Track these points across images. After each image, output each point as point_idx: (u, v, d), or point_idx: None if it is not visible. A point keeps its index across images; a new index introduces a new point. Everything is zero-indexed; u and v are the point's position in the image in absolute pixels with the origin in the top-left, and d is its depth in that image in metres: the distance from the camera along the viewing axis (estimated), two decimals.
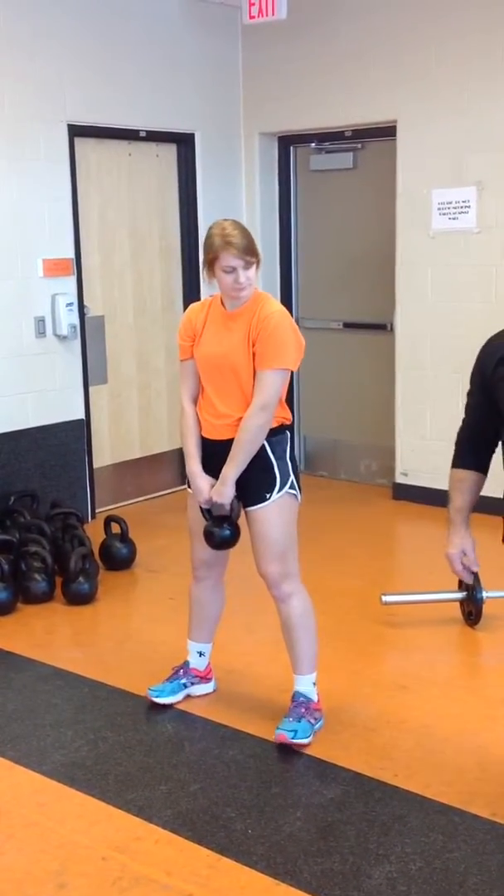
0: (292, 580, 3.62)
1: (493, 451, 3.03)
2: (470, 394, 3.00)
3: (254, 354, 3.44)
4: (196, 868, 2.95)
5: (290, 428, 3.66)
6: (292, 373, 3.59)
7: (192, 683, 3.94)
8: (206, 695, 3.96)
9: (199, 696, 3.94)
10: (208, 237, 3.47)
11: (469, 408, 3.02)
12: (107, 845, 3.07)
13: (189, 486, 3.68)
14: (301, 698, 3.66)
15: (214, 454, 3.56)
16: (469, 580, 3.04)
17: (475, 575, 4.46)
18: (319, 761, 3.49)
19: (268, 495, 3.52)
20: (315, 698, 3.69)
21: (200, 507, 3.63)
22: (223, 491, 3.52)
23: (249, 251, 3.41)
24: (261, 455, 3.51)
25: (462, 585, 4.62)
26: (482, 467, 3.04)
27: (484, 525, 3.24)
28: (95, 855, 3.03)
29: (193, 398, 3.64)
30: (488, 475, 3.07)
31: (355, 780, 3.38)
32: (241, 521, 3.63)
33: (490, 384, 2.88)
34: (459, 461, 3.06)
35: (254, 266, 3.44)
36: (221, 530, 3.57)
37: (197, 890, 2.85)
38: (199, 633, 3.92)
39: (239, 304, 3.50)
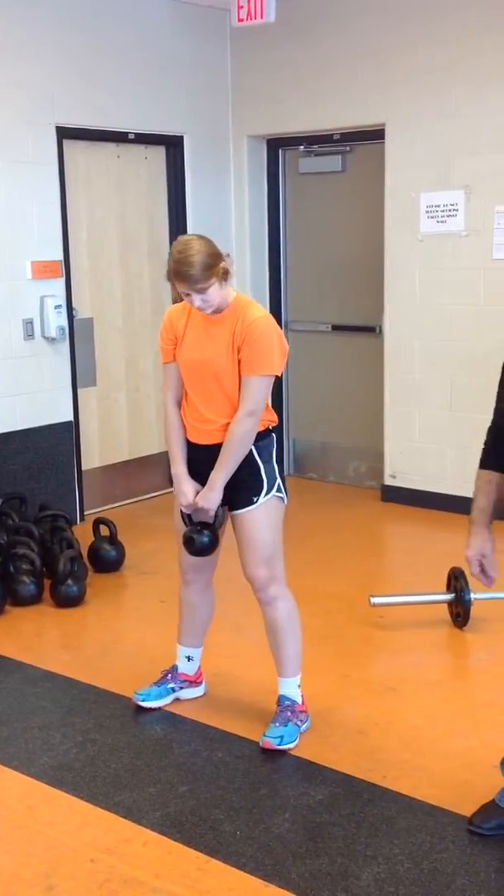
0: (278, 583, 3.61)
1: None
2: (498, 394, 2.99)
3: (239, 360, 3.43)
4: (185, 870, 2.95)
5: (276, 431, 3.65)
6: (279, 375, 3.58)
7: (181, 688, 3.93)
8: (196, 698, 3.96)
9: (188, 699, 3.94)
10: (169, 254, 3.42)
11: (496, 407, 3.01)
12: (95, 847, 3.07)
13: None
14: (286, 702, 3.66)
15: (200, 459, 3.56)
16: (488, 584, 2.96)
17: (462, 576, 4.50)
18: (308, 763, 3.50)
19: (255, 499, 3.52)
20: (300, 700, 3.69)
21: (181, 511, 3.62)
22: (210, 496, 3.51)
23: (200, 280, 3.33)
24: (248, 459, 3.50)
25: (450, 587, 4.63)
26: None
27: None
28: (84, 857, 3.02)
29: (177, 401, 3.63)
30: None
31: (344, 781, 3.38)
32: (227, 525, 3.63)
33: None
34: (485, 461, 3.01)
35: (210, 288, 3.36)
36: (200, 537, 3.56)
37: (185, 892, 2.85)
38: (189, 637, 3.91)
39: (219, 311, 3.47)
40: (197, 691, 3.97)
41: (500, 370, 2.97)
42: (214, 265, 3.36)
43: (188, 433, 3.61)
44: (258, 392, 3.44)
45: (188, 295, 3.39)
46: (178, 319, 3.58)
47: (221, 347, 3.45)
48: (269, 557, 3.58)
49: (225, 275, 3.40)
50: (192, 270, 3.32)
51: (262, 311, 3.50)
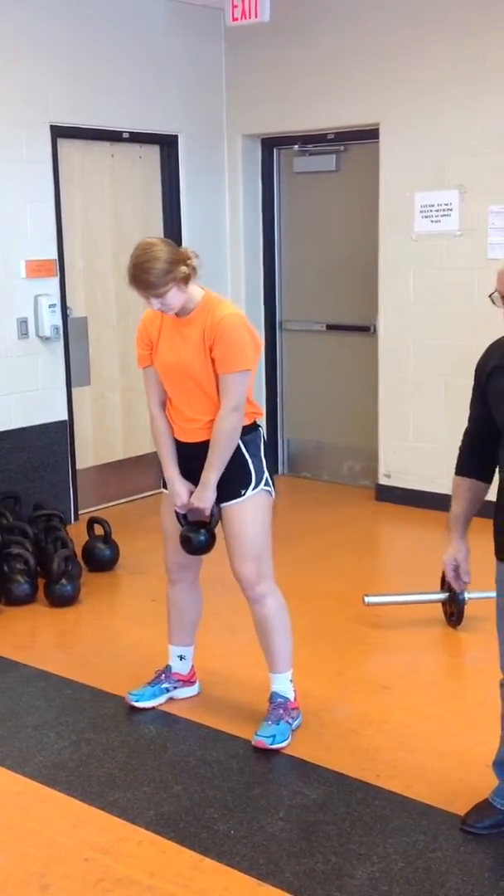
0: (267, 581, 3.62)
1: (497, 459, 2.98)
2: (472, 399, 3.00)
3: (213, 360, 3.44)
4: (179, 869, 2.95)
5: (270, 430, 3.66)
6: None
7: (175, 687, 3.93)
8: (190, 697, 3.96)
9: (182, 699, 3.94)
10: (130, 258, 3.41)
11: (470, 413, 3.02)
12: (89, 847, 3.07)
13: (166, 489, 3.69)
14: (279, 699, 3.66)
15: (190, 457, 3.57)
16: (460, 588, 3.04)
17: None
18: (302, 762, 3.50)
19: (243, 491, 3.53)
20: (292, 697, 3.70)
21: (176, 512, 3.63)
22: (205, 495, 3.52)
23: (153, 286, 3.32)
24: (235, 454, 3.51)
25: (444, 586, 4.64)
26: (482, 475, 3.00)
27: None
28: (78, 856, 3.02)
29: (161, 403, 3.65)
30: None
31: (338, 780, 3.39)
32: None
33: (484, 391, 2.91)
34: (459, 468, 3.04)
35: (168, 292, 3.35)
36: (197, 535, 3.57)
37: (179, 891, 2.85)
38: (178, 636, 3.92)
39: (187, 311, 3.47)
40: (191, 690, 3.97)
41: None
42: (172, 270, 3.35)
43: (175, 433, 3.62)
44: (237, 388, 3.45)
45: (147, 298, 3.41)
46: (152, 324, 3.59)
47: (194, 348, 3.46)
48: (258, 555, 3.58)
49: (185, 279, 3.39)
50: (148, 277, 3.33)
51: (230, 307, 3.51)
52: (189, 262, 3.41)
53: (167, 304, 3.41)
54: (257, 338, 3.53)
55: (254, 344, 3.49)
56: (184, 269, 3.38)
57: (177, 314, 3.49)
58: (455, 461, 3.08)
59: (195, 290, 3.48)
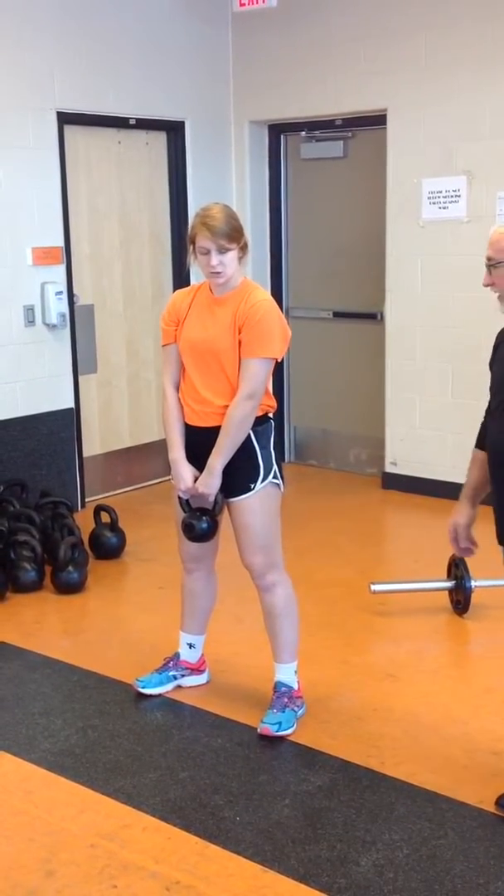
0: (276, 570, 3.61)
1: None
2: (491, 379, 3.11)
3: (239, 342, 3.43)
4: (184, 855, 2.96)
5: (277, 417, 3.64)
6: (280, 361, 3.57)
7: (183, 675, 3.93)
8: (197, 685, 3.96)
9: (189, 686, 3.94)
10: (194, 216, 3.49)
11: (490, 389, 3.12)
12: (95, 833, 3.08)
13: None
14: (283, 688, 3.66)
15: (197, 442, 3.54)
16: (459, 554, 3.14)
17: (463, 563, 4.51)
18: (307, 749, 3.51)
19: (252, 485, 3.51)
20: (296, 686, 3.70)
21: (178, 497, 3.62)
22: (210, 482, 3.50)
23: (226, 236, 3.37)
24: (245, 445, 3.49)
25: (451, 574, 4.64)
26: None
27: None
28: (83, 843, 3.03)
29: (176, 384, 3.62)
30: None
31: (343, 767, 3.39)
32: (224, 512, 3.63)
33: (491, 365, 2.97)
34: (477, 441, 3.16)
35: (231, 252, 3.40)
36: (200, 523, 3.54)
37: (185, 877, 2.86)
38: (191, 624, 3.91)
39: (226, 290, 3.48)
40: (199, 679, 3.96)
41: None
42: (243, 232, 3.44)
43: (186, 416, 3.60)
44: (257, 375, 3.43)
45: (206, 252, 3.40)
46: (183, 302, 3.59)
47: (224, 327, 3.45)
48: (266, 545, 3.57)
49: (244, 249, 3.46)
50: (216, 223, 3.38)
51: (266, 294, 3.52)
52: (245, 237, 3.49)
53: (224, 263, 3.40)
54: (287, 330, 3.51)
55: (282, 335, 3.47)
56: (245, 239, 3.46)
57: (213, 292, 3.49)
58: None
59: (239, 273, 3.50)
